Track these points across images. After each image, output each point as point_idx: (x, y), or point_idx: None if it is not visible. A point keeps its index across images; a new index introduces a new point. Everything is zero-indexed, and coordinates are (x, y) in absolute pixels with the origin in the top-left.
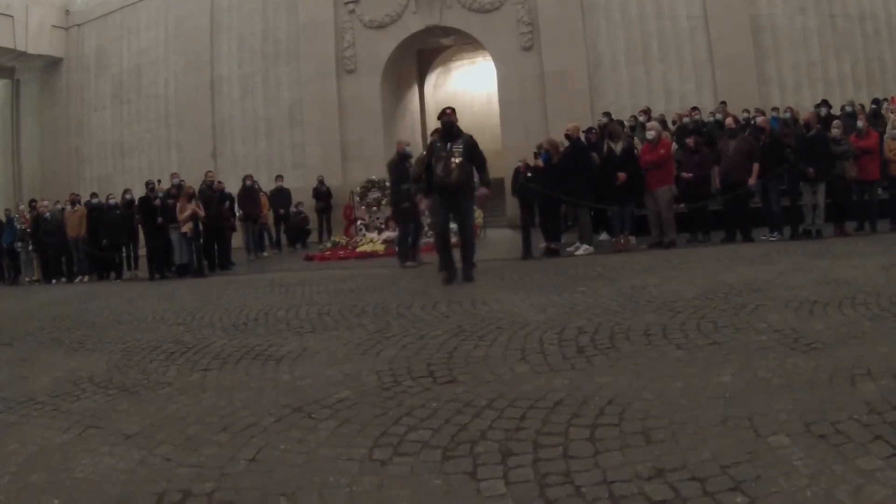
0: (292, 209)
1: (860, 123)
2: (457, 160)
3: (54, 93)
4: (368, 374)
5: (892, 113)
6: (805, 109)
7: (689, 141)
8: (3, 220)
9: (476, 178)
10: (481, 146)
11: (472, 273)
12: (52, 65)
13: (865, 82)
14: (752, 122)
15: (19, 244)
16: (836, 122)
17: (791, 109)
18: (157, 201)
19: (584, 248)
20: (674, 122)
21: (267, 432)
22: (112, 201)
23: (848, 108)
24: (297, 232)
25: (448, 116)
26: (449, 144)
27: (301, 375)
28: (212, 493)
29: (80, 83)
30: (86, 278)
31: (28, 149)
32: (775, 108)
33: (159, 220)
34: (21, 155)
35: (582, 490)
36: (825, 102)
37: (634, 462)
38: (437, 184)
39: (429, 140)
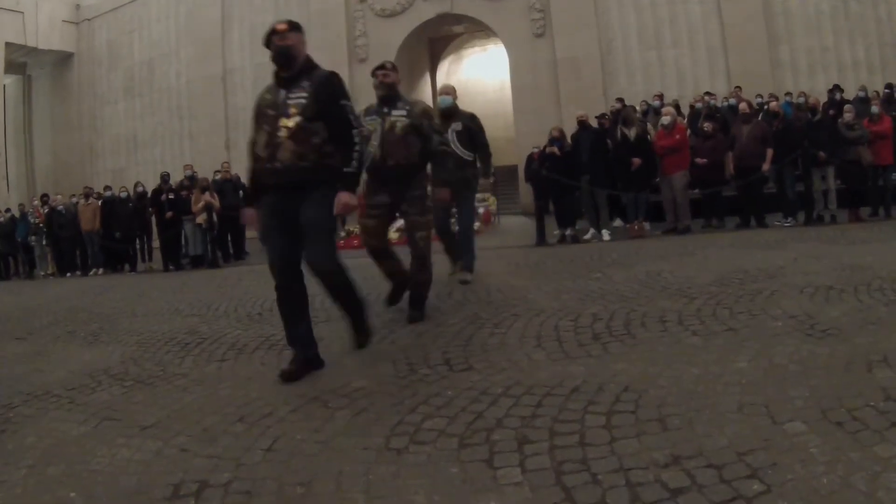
0: None
1: (874, 108)
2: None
3: (66, 88)
4: (384, 362)
5: None
6: (818, 94)
7: (707, 126)
8: (18, 214)
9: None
10: (495, 132)
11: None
12: (63, 60)
13: (879, 67)
14: (766, 107)
15: (33, 238)
16: (847, 106)
17: (804, 94)
18: (166, 195)
19: (601, 235)
20: (691, 107)
21: (283, 422)
22: (123, 194)
23: (861, 94)
24: None
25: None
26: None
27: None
28: (228, 484)
29: (91, 77)
30: (100, 271)
31: (41, 144)
32: (788, 94)
33: (168, 214)
34: (34, 150)
35: (598, 477)
36: (837, 87)
37: (650, 449)
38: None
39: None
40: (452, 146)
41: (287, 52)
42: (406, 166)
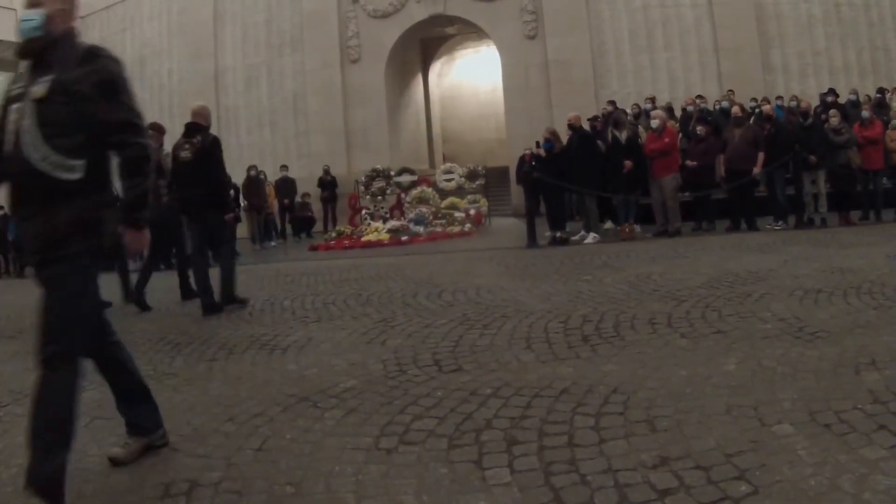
0: (297, 199)
1: (865, 113)
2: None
3: None
4: (374, 363)
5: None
6: (810, 98)
7: (700, 129)
8: (9, 212)
9: None
10: (486, 134)
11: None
12: None
13: (871, 71)
14: (758, 110)
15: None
16: (832, 111)
17: (796, 98)
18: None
19: (591, 237)
20: (683, 110)
21: (273, 422)
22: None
23: (852, 98)
24: (301, 221)
25: None
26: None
27: (307, 365)
28: (219, 483)
29: None
30: None
31: None
32: (780, 97)
33: None
34: None
35: (587, 478)
36: (832, 91)
37: (639, 450)
38: None
39: None
40: None
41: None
42: None
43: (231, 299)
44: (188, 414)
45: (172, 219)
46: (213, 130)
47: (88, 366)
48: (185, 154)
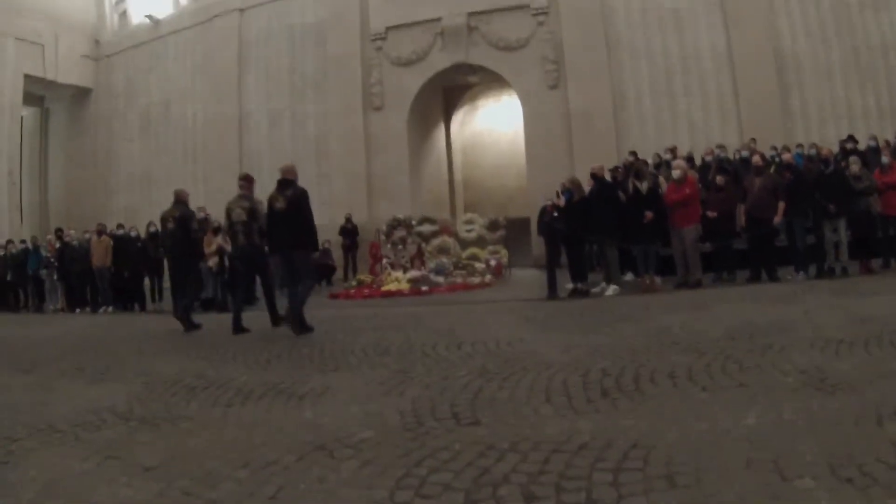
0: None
1: (885, 159)
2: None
3: (83, 122)
4: (391, 413)
5: None
6: (830, 144)
7: (719, 179)
8: (30, 247)
9: None
10: (507, 182)
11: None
12: (81, 94)
13: (890, 115)
14: (778, 158)
15: (44, 271)
16: (852, 157)
17: (816, 146)
18: None
19: (612, 289)
20: (702, 160)
21: (288, 470)
22: (133, 233)
23: (872, 143)
24: (322, 269)
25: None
26: None
27: (323, 413)
28: None
29: (108, 113)
30: (109, 309)
31: (55, 177)
32: (800, 145)
33: None
34: (48, 182)
35: None
36: (851, 138)
37: None
38: None
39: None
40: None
41: None
42: None
43: (301, 324)
44: (201, 458)
45: (260, 257)
46: (235, 173)
47: None
48: (280, 204)
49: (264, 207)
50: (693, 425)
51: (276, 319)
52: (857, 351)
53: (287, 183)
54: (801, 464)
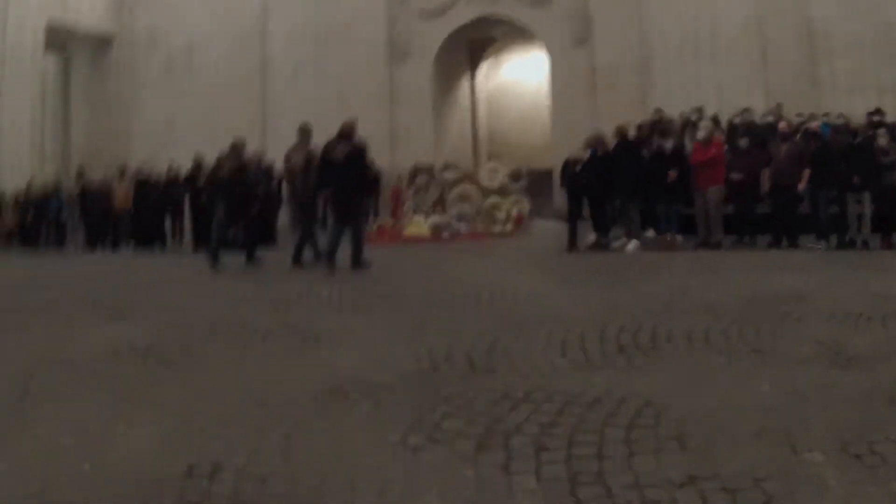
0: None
1: None
2: None
3: (105, 69)
4: (408, 358)
5: None
6: (857, 115)
7: (742, 142)
8: (51, 188)
9: None
10: (531, 137)
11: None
12: (103, 41)
13: None
14: (805, 127)
15: (65, 212)
16: (881, 130)
17: (844, 116)
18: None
19: (632, 245)
20: (729, 123)
21: (302, 410)
22: (156, 178)
23: None
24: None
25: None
26: None
27: (340, 356)
28: (242, 468)
29: (130, 60)
30: (130, 248)
31: (77, 124)
32: (826, 114)
33: (203, 199)
34: (71, 129)
35: (613, 492)
36: (878, 111)
37: (667, 467)
38: None
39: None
40: None
41: None
42: None
43: (359, 262)
44: (218, 396)
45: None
46: (259, 119)
47: None
48: (338, 155)
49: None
50: (707, 389)
51: (297, 259)
52: (874, 326)
53: (346, 136)
54: (811, 437)
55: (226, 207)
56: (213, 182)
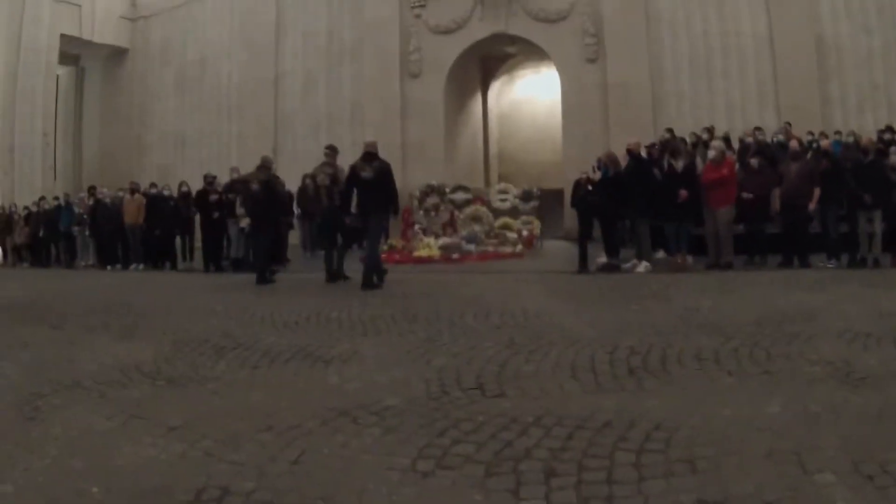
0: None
1: None
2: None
3: (118, 82)
4: (417, 381)
5: None
6: (868, 132)
7: (753, 161)
8: (63, 204)
9: None
10: (542, 156)
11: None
12: (116, 54)
13: None
14: (816, 144)
15: (76, 228)
16: (892, 148)
17: (854, 134)
18: (216, 197)
19: (643, 266)
20: (740, 141)
21: (311, 434)
22: (166, 192)
23: None
24: (354, 233)
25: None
26: None
27: (349, 378)
28: (251, 493)
29: (143, 73)
30: (140, 266)
31: (90, 135)
32: (838, 132)
33: (215, 215)
34: (83, 141)
35: None
36: (889, 129)
37: (678, 491)
38: None
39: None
40: None
41: None
42: None
43: (381, 279)
44: (226, 419)
45: (338, 217)
46: (271, 135)
47: None
48: (367, 174)
49: (344, 175)
50: (717, 410)
51: (335, 275)
52: (885, 346)
53: (371, 156)
54: (822, 458)
55: (254, 221)
56: (242, 194)
